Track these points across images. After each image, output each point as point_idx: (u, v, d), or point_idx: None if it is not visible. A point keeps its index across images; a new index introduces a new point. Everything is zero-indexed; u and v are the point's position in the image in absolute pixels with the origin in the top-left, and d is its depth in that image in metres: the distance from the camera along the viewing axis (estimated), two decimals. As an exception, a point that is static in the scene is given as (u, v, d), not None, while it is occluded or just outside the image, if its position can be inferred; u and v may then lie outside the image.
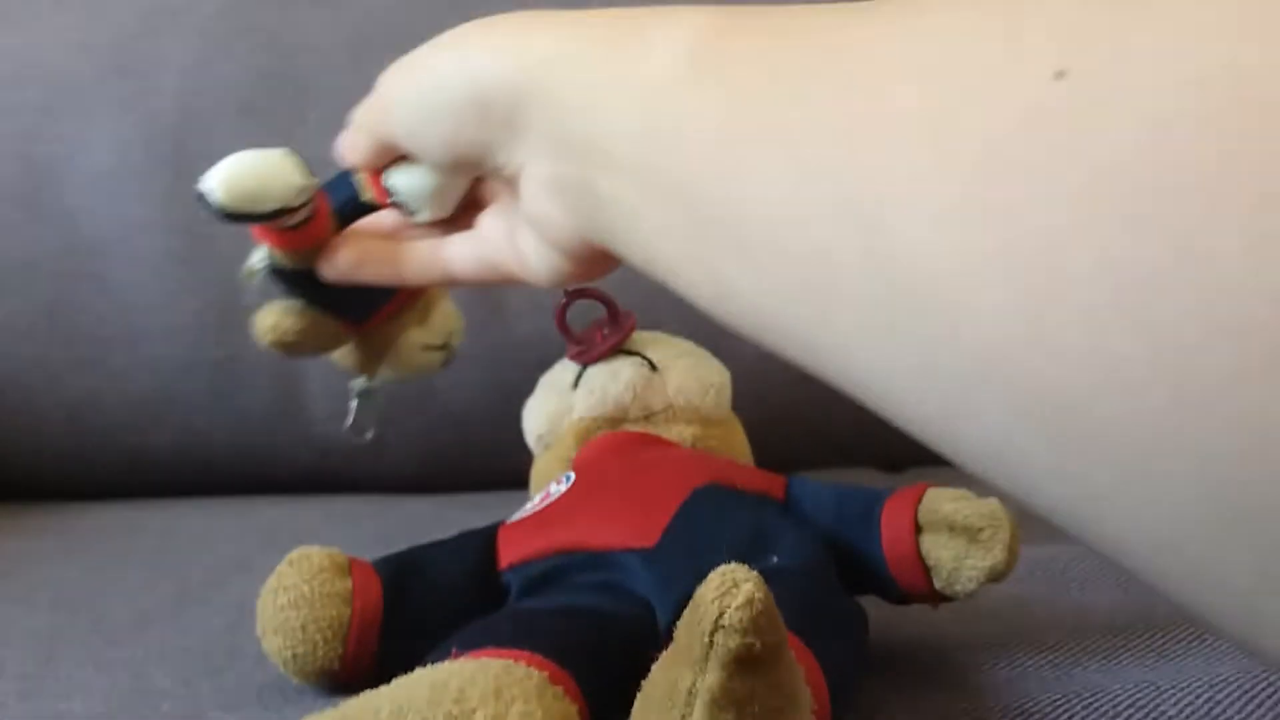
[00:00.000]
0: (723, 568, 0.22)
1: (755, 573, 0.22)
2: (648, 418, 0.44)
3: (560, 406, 0.45)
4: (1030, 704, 0.31)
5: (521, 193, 0.30)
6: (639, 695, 0.24)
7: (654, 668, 0.24)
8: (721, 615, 0.21)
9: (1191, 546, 0.15)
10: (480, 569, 0.37)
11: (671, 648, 0.23)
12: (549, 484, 0.41)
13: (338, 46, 0.74)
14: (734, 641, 0.21)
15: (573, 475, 0.40)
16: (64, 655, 0.40)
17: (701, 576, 0.25)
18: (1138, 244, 0.14)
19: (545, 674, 0.25)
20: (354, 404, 0.56)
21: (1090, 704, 0.31)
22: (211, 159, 0.35)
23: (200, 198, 0.34)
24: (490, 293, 0.70)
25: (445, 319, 0.55)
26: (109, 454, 0.72)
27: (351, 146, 0.36)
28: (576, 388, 0.45)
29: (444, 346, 0.53)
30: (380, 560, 0.37)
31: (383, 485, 0.71)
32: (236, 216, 0.35)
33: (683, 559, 0.33)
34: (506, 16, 0.30)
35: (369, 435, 0.54)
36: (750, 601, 0.21)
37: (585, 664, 0.27)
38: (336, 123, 0.38)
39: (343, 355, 0.53)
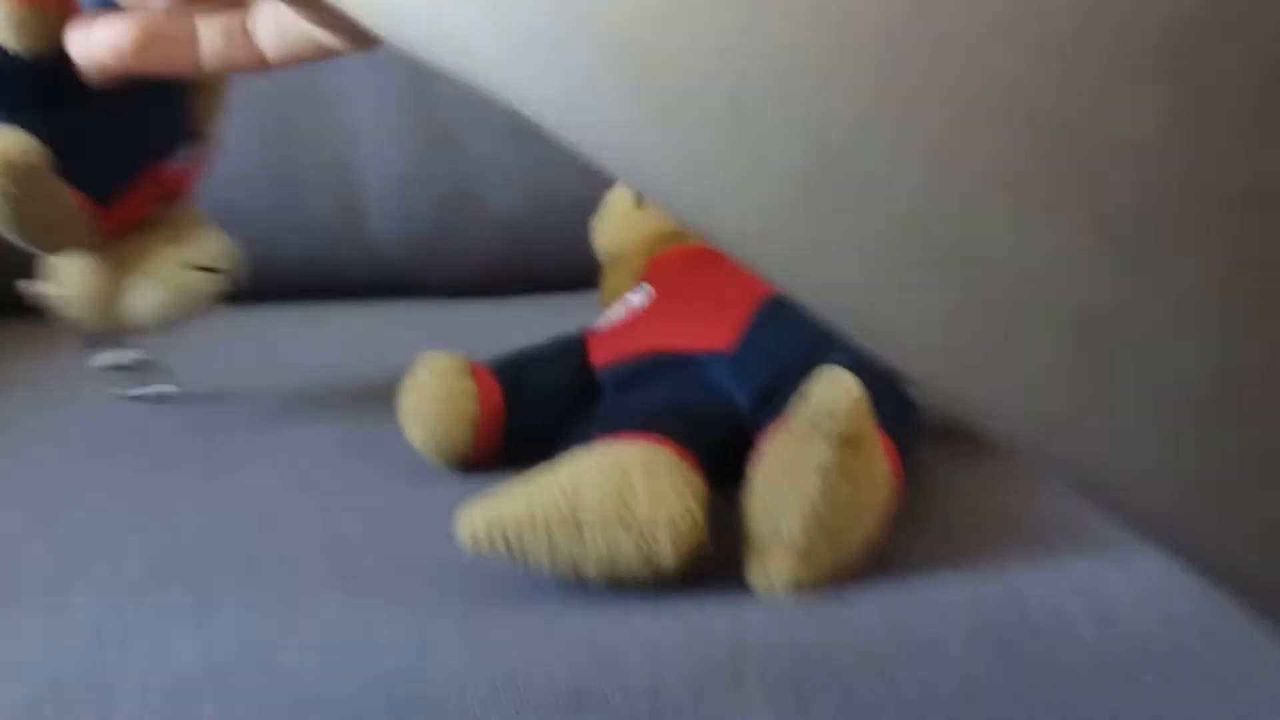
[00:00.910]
0: (827, 369, 0.29)
1: (851, 377, 0.29)
2: (708, 233, 0.50)
3: (627, 223, 0.51)
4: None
5: None
6: (758, 473, 0.31)
7: (768, 445, 0.31)
8: (829, 406, 0.28)
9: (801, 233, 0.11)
10: (578, 370, 0.44)
11: (785, 432, 0.30)
12: (626, 295, 0.47)
13: None
14: (840, 426, 0.27)
15: (648, 287, 0.46)
16: (221, 448, 0.46)
17: (780, 374, 0.31)
18: None
19: (674, 453, 0.32)
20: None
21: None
22: None
23: None
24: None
25: (215, 242, 0.48)
26: (181, 265, 0.77)
27: None
28: (642, 206, 0.50)
29: (216, 270, 0.46)
30: (493, 363, 0.44)
31: (439, 290, 0.77)
32: None
33: (759, 359, 0.39)
34: None
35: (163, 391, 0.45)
36: (852, 396, 0.28)
37: (695, 447, 0.34)
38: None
39: (87, 283, 0.43)
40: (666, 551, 0.28)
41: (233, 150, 0.74)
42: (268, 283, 0.78)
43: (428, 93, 0.74)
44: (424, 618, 0.28)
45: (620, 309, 0.46)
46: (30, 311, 0.76)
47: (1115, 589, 0.27)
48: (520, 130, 0.74)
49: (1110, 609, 0.26)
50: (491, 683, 0.24)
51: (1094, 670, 0.23)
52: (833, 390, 0.28)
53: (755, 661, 0.24)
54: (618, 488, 0.29)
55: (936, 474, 0.38)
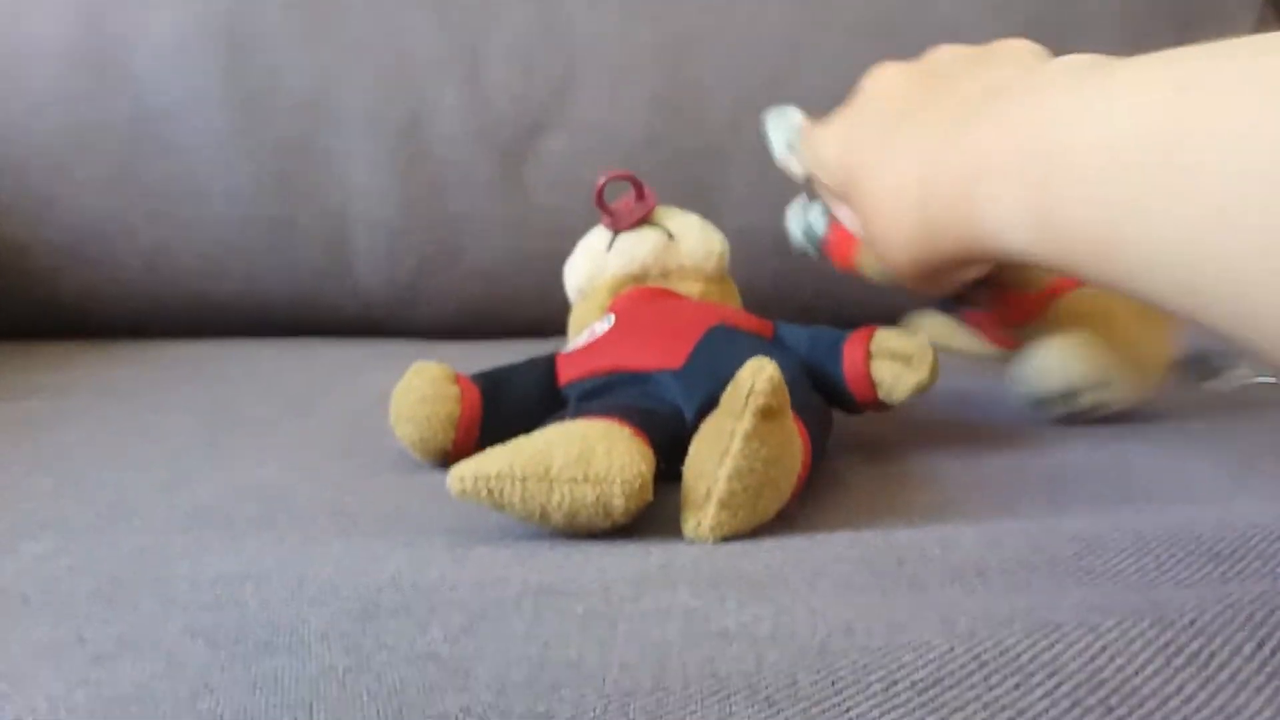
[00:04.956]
0: (754, 358, 0.36)
1: (774, 362, 0.36)
2: (665, 276, 0.57)
3: (596, 265, 0.58)
4: (947, 479, 0.45)
5: None
6: (694, 440, 0.38)
7: (704, 423, 0.38)
8: (754, 383, 0.35)
9: None
10: (547, 383, 0.51)
11: (718, 409, 0.37)
12: (592, 324, 0.54)
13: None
14: (760, 400, 0.34)
15: (613, 317, 0.53)
16: (225, 442, 0.52)
17: (719, 388, 0.38)
18: None
19: (629, 430, 0.39)
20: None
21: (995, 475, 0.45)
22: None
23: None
24: (512, 170, 0.81)
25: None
26: (180, 298, 0.83)
27: None
28: (610, 251, 0.57)
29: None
30: (475, 374, 0.50)
31: (419, 332, 0.83)
32: None
33: (703, 376, 0.46)
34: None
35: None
36: (772, 376, 0.35)
37: (647, 432, 0.41)
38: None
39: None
40: (618, 502, 0.35)
41: (233, 195, 0.81)
42: (257, 319, 0.85)
43: (417, 153, 0.82)
44: (416, 547, 0.34)
45: (586, 335, 0.53)
46: (47, 334, 0.82)
47: (964, 536, 0.34)
48: (499, 190, 0.81)
49: (955, 539, 0.33)
50: (475, 583, 0.30)
51: (940, 578, 0.30)
52: (756, 372, 0.35)
53: (684, 571, 0.31)
54: (581, 450, 0.36)
55: (839, 468, 0.45)
